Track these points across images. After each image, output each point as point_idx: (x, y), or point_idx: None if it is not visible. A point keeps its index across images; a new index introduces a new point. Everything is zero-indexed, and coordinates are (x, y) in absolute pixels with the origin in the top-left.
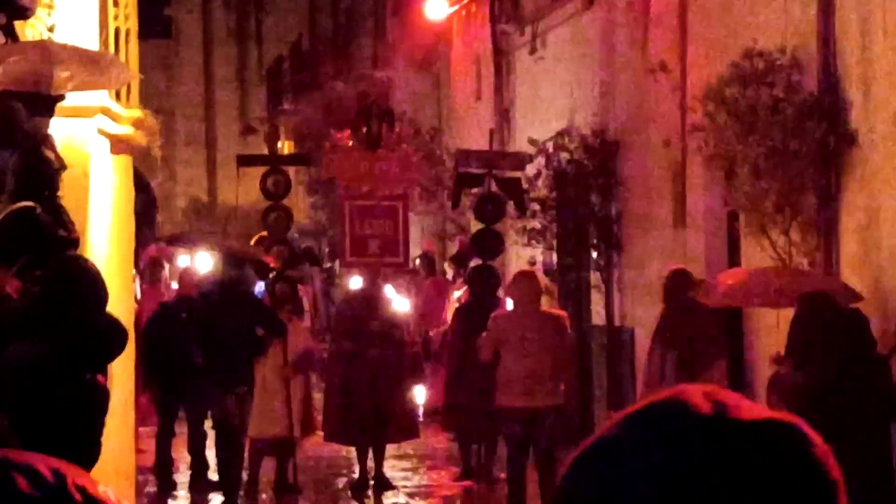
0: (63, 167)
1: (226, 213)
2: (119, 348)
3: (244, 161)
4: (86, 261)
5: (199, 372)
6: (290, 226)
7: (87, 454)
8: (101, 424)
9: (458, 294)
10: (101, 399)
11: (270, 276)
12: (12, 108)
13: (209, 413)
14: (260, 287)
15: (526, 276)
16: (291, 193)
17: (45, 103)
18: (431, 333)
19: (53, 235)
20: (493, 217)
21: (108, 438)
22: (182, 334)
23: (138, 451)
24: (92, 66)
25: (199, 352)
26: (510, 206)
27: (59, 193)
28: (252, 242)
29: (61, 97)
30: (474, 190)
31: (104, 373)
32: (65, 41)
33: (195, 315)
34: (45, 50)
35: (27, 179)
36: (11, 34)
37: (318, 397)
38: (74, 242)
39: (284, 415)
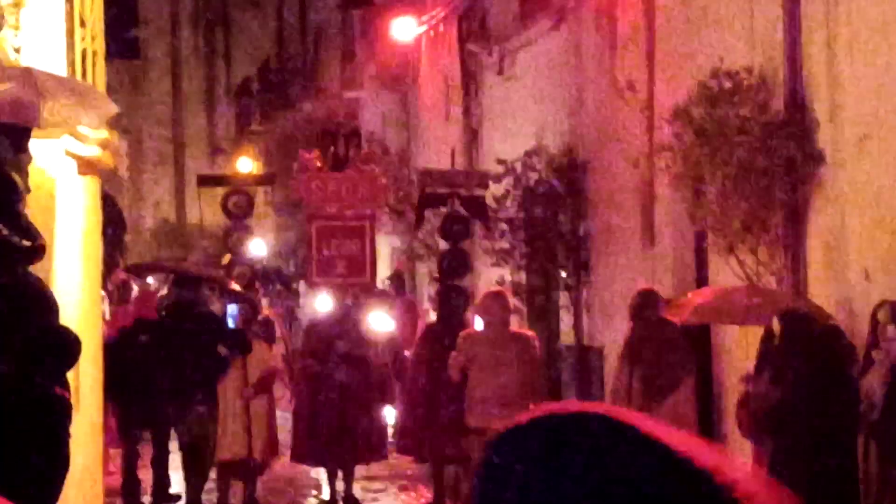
0: (27, 190)
1: (194, 234)
2: (74, 357)
3: (205, 181)
4: (27, 274)
5: (159, 392)
6: (250, 247)
7: (56, 465)
8: (66, 435)
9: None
10: (62, 409)
11: (231, 297)
12: None
13: (172, 433)
14: (232, 309)
15: (495, 297)
16: (261, 214)
17: (23, 131)
18: (406, 353)
19: (12, 244)
20: (458, 236)
21: (75, 460)
22: (142, 356)
23: (108, 473)
24: (77, 100)
25: (159, 373)
26: (477, 226)
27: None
28: (224, 262)
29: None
30: (441, 209)
31: (63, 385)
32: (32, 64)
33: (153, 336)
34: (32, 79)
35: None
36: None
37: (281, 418)
38: (36, 250)
39: (244, 436)
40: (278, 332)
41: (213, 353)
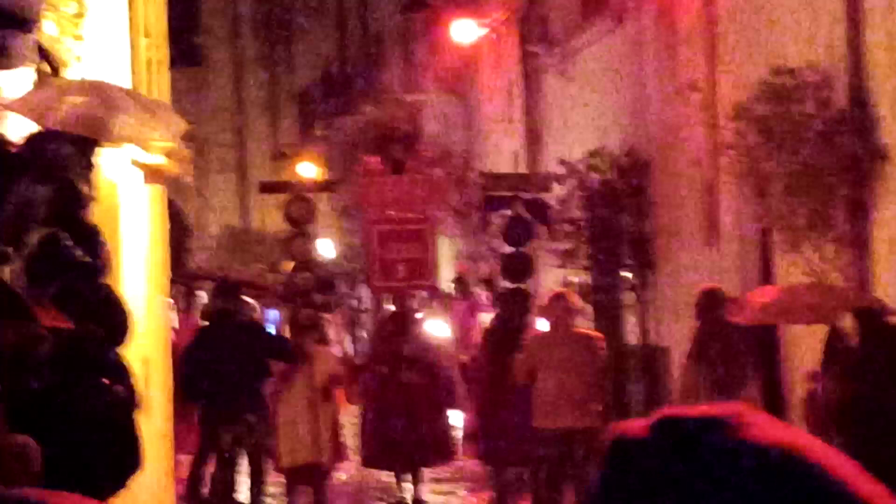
0: (93, 199)
1: (258, 240)
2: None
3: (266, 188)
4: (108, 289)
5: (209, 402)
6: (313, 252)
7: (127, 460)
8: (132, 427)
9: (485, 317)
10: (124, 404)
11: (287, 301)
12: (60, 154)
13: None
14: (272, 314)
15: (560, 298)
16: (325, 218)
17: (91, 143)
18: (464, 357)
19: (79, 262)
20: (521, 239)
21: (146, 467)
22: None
23: (179, 480)
24: (148, 116)
25: (205, 381)
26: (539, 228)
27: (92, 221)
28: (287, 269)
29: (104, 140)
30: (504, 212)
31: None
32: (95, 73)
33: (198, 347)
34: (103, 94)
35: (57, 208)
36: (46, 58)
37: (346, 423)
38: (101, 268)
39: (312, 441)
40: (333, 337)
41: (257, 361)
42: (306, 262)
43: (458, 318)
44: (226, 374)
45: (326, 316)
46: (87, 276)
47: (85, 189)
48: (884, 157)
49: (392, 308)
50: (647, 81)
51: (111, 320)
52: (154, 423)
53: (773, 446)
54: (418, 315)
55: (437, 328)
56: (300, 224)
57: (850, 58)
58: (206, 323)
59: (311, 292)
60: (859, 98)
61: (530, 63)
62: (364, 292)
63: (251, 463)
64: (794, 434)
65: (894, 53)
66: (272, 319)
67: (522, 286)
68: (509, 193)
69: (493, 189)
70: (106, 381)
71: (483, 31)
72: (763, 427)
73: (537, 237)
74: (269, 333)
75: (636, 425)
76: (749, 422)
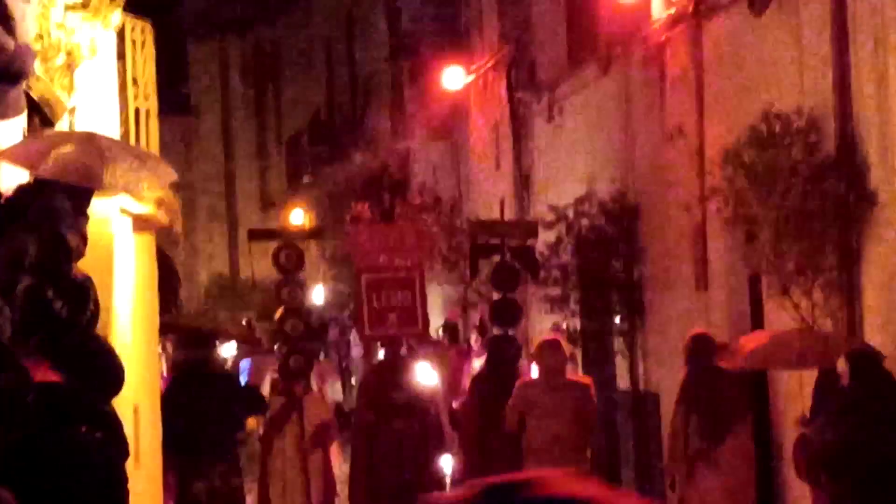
0: (83, 251)
1: (248, 288)
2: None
3: (255, 236)
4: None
5: (180, 453)
6: (303, 300)
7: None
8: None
9: (477, 363)
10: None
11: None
12: (51, 204)
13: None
14: (244, 364)
15: (551, 345)
16: (314, 265)
17: (83, 193)
18: (454, 404)
19: (58, 315)
20: (509, 286)
21: None
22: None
23: None
24: (139, 166)
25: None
26: (526, 274)
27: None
28: (276, 316)
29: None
30: (491, 259)
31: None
32: (85, 124)
33: (167, 398)
34: (95, 143)
35: (43, 260)
36: (37, 109)
37: (336, 471)
38: (88, 320)
39: (303, 488)
40: (315, 387)
41: (228, 411)
42: (296, 309)
43: (448, 364)
44: (197, 425)
45: (321, 362)
46: (67, 330)
47: (73, 240)
48: (872, 202)
49: (382, 355)
50: (635, 127)
51: (100, 372)
52: (145, 471)
53: (569, 496)
54: (408, 362)
55: (427, 375)
56: (289, 271)
57: (837, 103)
58: (175, 374)
59: (301, 339)
60: (847, 143)
61: (518, 109)
62: (354, 339)
63: None
64: (590, 487)
65: (882, 99)
66: (243, 369)
67: (511, 332)
68: (497, 241)
69: (480, 236)
70: (89, 430)
71: (471, 78)
72: (565, 483)
73: (525, 283)
74: (241, 384)
75: (453, 494)
76: (553, 481)
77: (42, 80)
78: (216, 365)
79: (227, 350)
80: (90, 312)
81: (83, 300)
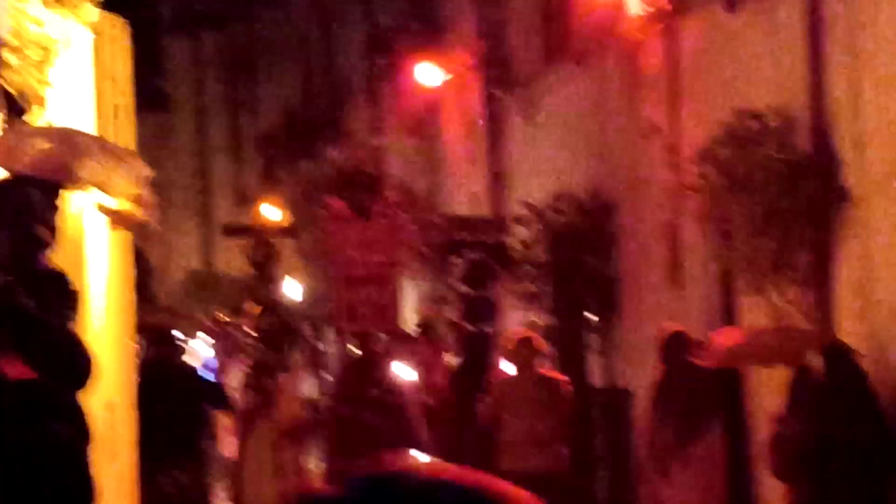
0: (55, 246)
1: (222, 283)
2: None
3: (229, 232)
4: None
5: (147, 451)
6: (277, 295)
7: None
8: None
9: (452, 359)
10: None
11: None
12: (26, 199)
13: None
14: (210, 362)
15: (525, 341)
16: (289, 261)
17: (56, 188)
18: (429, 400)
19: (28, 311)
20: (481, 283)
21: None
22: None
23: None
24: (114, 162)
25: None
26: (499, 271)
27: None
28: (251, 312)
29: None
30: (465, 256)
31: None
32: (61, 120)
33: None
34: (71, 140)
35: (15, 255)
36: (12, 104)
37: (311, 466)
38: (65, 315)
39: (273, 486)
40: (288, 382)
41: (192, 407)
42: (269, 304)
43: (423, 361)
44: (162, 422)
45: (294, 357)
46: (37, 323)
47: (46, 235)
48: (846, 199)
49: (357, 351)
50: (610, 124)
51: (69, 365)
52: (120, 467)
53: (432, 481)
54: (383, 358)
55: (402, 371)
56: (262, 268)
57: (812, 102)
58: (141, 371)
59: (274, 335)
60: (822, 142)
61: (493, 106)
62: (329, 335)
63: None
64: (454, 472)
65: (856, 97)
66: (210, 365)
67: (485, 329)
68: (470, 237)
69: (455, 232)
70: (60, 425)
71: (447, 75)
72: (428, 470)
73: (499, 280)
74: (206, 380)
75: (320, 487)
76: (416, 469)
77: (19, 72)
78: (181, 362)
79: (201, 345)
80: (71, 306)
81: (60, 292)
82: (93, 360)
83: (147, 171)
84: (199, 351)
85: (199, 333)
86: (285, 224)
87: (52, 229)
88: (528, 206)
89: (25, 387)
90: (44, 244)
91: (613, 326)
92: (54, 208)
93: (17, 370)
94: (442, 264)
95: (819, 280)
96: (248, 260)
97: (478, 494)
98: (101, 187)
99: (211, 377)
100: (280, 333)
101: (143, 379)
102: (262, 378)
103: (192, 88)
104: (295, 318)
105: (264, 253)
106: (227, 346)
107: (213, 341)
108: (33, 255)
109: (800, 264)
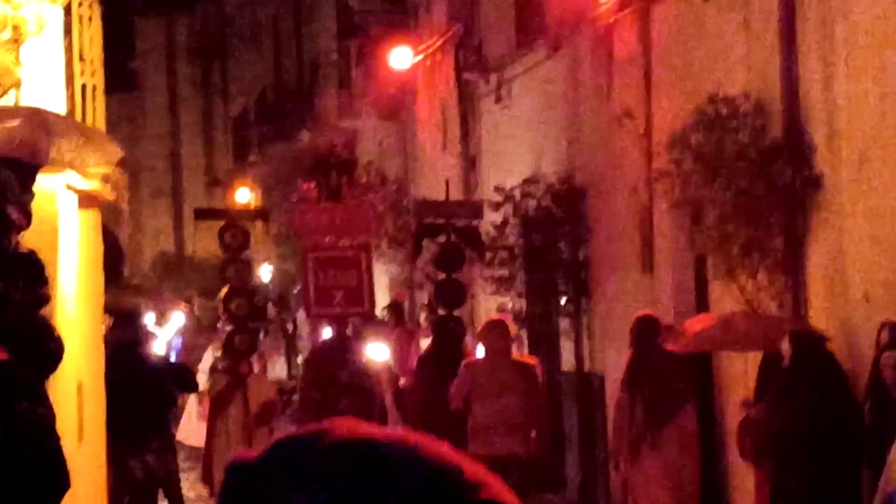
0: (28, 226)
1: (193, 265)
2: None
3: (201, 215)
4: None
5: (114, 434)
6: (249, 279)
7: (54, 481)
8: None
9: (424, 343)
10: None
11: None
12: (5, 181)
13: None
14: (176, 342)
15: (496, 325)
16: (260, 244)
17: (29, 169)
18: (401, 383)
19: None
20: (453, 267)
21: (76, 489)
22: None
23: None
24: (84, 142)
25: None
26: (471, 255)
27: (25, 248)
28: (221, 295)
29: (41, 165)
30: (437, 239)
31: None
32: (32, 99)
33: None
34: (41, 119)
35: None
36: None
37: None
38: (38, 296)
39: None
40: (257, 366)
41: (159, 390)
42: (241, 288)
43: (394, 344)
44: (129, 404)
45: (263, 341)
46: (5, 305)
47: (14, 213)
48: (818, 185)
49: (328, 334)
50: (582, 109)
51: (38, 347)
52: (88, 447)
53: (355, 438)
54: (354, 342)
55: (372, 355)
56: (234, 251)
57: (784, 87)
58: (107, 352)
59: (246, 318)
60: (794, 128)
61: (466, 90)
62: (300, 317)
63: (168, 495)
64: (374, 430)
65: (828, 84)
66: (175, 346)
67: (456, 313)
68: (442, 221)
69: (426, 216)
70: (31, 405)
71: (419, 58)
72: (350, 428)
73: (470, 264)
74: (171, 363)
75: (250, 453)
76: (339, 427)
77: None
78: (146, 343)
79: (171, 326)
80: (42, 288)
81: (31, 273)
82: (61, 343)
83: (118, 152)
84: (166, 333)
85: (170, 314)
86: (257, 207)
87: (24, 210)
88: (500, 190)
89: (1, 368)
90: (15, 225)
91: (584, 311)
92: (27, 189)
93: None
94: (413, 248)
95: (791, 266)
96: (219, 243)
97: (450, 476)
98: (73, 167)
99: (175, 359)
100: (249, 317)
101: (107, 361)
102: (233, 361)
103: (163, 69)
104: (265, 301)
105: (235, 236)
106: (197, 327)
107: (182, 322)
108: (4, 236)
109: (772, 250)
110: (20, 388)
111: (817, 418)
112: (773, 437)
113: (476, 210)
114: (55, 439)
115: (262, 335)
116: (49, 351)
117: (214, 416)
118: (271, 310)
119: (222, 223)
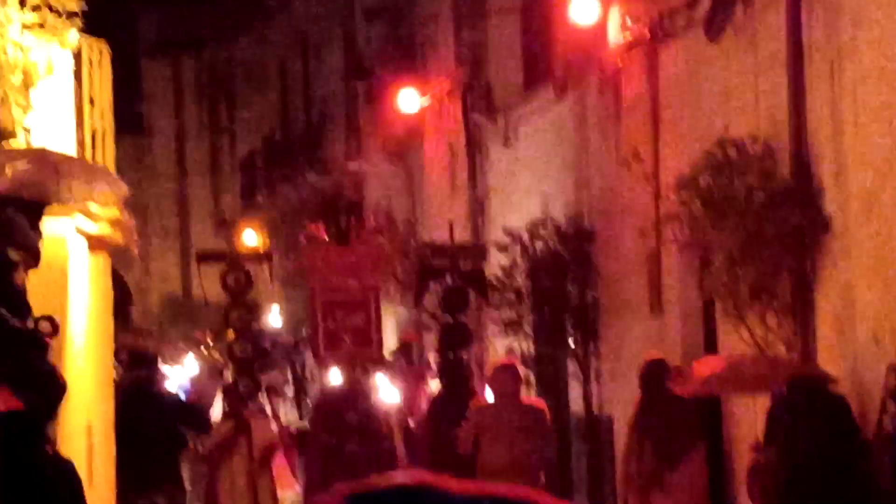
0: (35, 266)
1: (200, 308)
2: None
3: (203, 257)
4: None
5: (126, 473)
6: (252, 322)
7: None
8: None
9: (433, 384)
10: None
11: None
12: (12, 220)
13: None
14: (186, 383)
15: (506, 369)
16: (266, 286)
17: (37, 208)
18: (411, 424)
19: (12, 329)
20: (458, 309)
21: None
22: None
23: None
24: (91, 180)
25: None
26: (475, 297)
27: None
28: (228, 340)
29: (49, 203)
30: (447, 282)
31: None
32: (42, 143)
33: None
34: (47, 159)
35: None
36: None
37: (291, 494)
38: (38, 335)
39: None
40: (269, 411)
41: (172, 431)
42: (244, 331)
43: (403, 386)
44: (142, 444)
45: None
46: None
47: (21, 256)
48: (826, 228)
49: (336, 376)
50: (590, 151)
51: (43, 389)
52: (98, 491)
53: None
54: (363, 384)
55: (382, 397)
56: (237, 294)
57: (792, 130)
58: (120, 393)
59: (250, 362)
60: (802, 170)
61: (474, 132)
62: (308, 361)
63: None
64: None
65: (836, 125)
66: (184, 389)
67: (462, 355)
68: (446, 264)
69: (433, 258)
70: (51, 448)
71: (426, 101)
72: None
73: (479, 306)
74: (185, 403)
75: (325, 498)
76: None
77: (1, 96)
78: (160, 384)
79: (188, 369)
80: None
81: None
82: (65, 387)
83: (124, 189)
84: (177, 376)
85: (182, 357)
86: (261, 249)
87: (32, 251)
88: (508, 232)
89: (14, 418)
90: (17, 266)
91: (593, 353)
92: (35, 230)
93: (5, 401)
94: (420, 290)
95: (799, 308)
96: (222, 286)
97: None
98: (81, 207)
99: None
100: (254, 360)
101: (120, 402)
102: (237, 405)
103: (170, 112)
104: (272, 345)
105: (238, 278)
106: (208, 370)
107: (194, 364)
108: (6, 277)
109: (780, 292)
110: (38, 434)
111: (826, 462)
112: (782, 482)
113: (480, 253)
114: (79, 482)
115: (267, 379)
116: (54, 397)
117: (218, 460)
118: (284, 353)
119: (224, 266)
